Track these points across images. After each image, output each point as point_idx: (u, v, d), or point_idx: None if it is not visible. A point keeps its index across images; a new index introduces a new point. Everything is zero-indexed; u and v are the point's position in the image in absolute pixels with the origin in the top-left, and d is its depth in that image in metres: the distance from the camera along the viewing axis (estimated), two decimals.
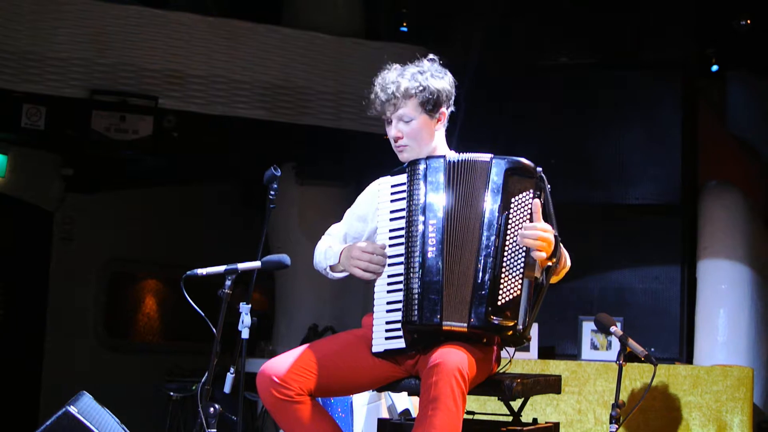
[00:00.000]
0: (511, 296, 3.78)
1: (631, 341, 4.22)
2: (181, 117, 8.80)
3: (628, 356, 4.30)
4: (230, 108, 8.86)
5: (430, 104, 4.11)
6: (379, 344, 3.95)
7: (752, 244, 7.46)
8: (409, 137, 4.13)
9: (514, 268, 3.79)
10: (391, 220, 3.98)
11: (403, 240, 3.92)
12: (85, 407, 4.05)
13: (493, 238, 3.81)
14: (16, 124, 8.55)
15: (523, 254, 3.80)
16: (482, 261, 3.81)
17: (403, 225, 3.93)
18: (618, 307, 7.29)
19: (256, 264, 4.12)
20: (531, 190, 3.85)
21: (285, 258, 4.15)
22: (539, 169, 3.88)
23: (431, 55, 4.26)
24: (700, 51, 8.27)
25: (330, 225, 4.43)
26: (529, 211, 3.82)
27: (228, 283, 4.06)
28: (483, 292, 3.78)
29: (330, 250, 4.17)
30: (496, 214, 3.82)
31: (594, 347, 6.93)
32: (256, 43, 8.96)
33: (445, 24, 8.91)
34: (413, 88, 4.08)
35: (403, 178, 3.99)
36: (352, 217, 4.35)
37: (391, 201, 4.00)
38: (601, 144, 7.76)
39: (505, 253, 3.79)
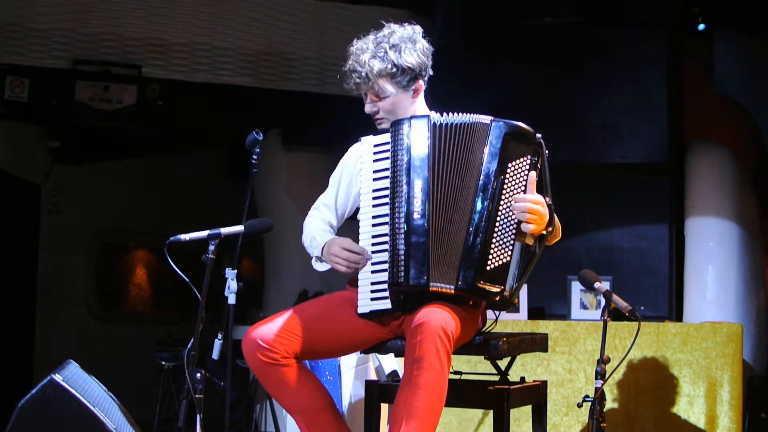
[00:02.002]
0: (500, 262, 3.77)
1: (615, 297, 4.22)
2: (164, 85, 8.75)
3: (615, 313, 4.30)
4: (214, 75, 8.80)
5: (405, 80, 4.11)
6: (365, 305, 3.95)
7: (739, 201, 7.46)
8: (385, 111, 4.15)
9: (506, 234, 3.78)
10: (375, 180, 3.98)
11: (387, 200, 3.91)
12: (71, 375, 4.04)
13: (486, 202, 3.80)
14: None
15: (516, 220, 3.79)
16: (474, 224, 3.80)
17: (387, 185, 3.91)
18: (606, 267, 7.30)
19: (239, 228, 4.11)
20: (529, 156, 3.84)
21: (267, 221, 4.16)
22: (539, 135, 3.86)
23: (406, 24, 4.23)
24: (686, 9, 8.22)
25: (317, 190, 4.41)
26: (525, 176, 3.81)
27: (211, 247, 4.05)
28: (473, 256, 3.77)
29: (314, 240, 4.17)
30: (492, 178, 3.80)
31: (583, 307, 6.94)
32: (239, 9, 8.89)
33: None
34: (386, 69, 4.08)
35: (386, 137, 3.98)
36: (338, 182, 4.33)
37: (374, 161, 3.99)
38: (586, 103, 7.73)
39: (498, 218, 3.78)
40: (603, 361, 4.16)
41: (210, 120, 9.80)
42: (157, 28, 8.66)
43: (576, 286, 6.93)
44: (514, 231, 3.78)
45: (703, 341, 6.26)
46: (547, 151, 3.89)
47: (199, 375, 3.94)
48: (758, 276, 7.47)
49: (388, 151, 3.95)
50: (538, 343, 4.49)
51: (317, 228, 4.22)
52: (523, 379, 4.40)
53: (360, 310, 3.96)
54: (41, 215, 11.37)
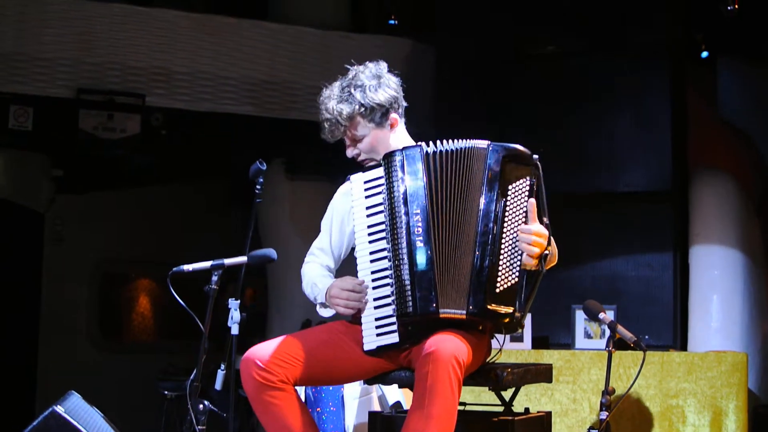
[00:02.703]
0: (509, 283, 3.77)
1: (620, 327, 4.20)
2: (168, 114, 8.76)
3: (619, 343, 4.28)
4: (218, 104, 8.82)
5: (377, 117, 4.12)
6: (371, 341, 3.91)
7: (744, 230, 7.45)
8: (366, 151, 4.17)
9: (513, 256, 3.77)
10: (368, 216, 3.97)
11: (383, 234, 3.90)
12: (73, 407, 4.02)
13: (491, 225, 3.79)
14: (3, 125, 8.51)
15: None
16: (480, 248, 3.79)
17: (382, 219, 3.91)
18: (611, 295, 7.27)
19: (243, 259, 4.09)
20: (528, 177, 3.83)
21: (271, 252, 4.13)
22: (536, 156, 3.86)
23: (369, 63, 4.23)
24: (689, 37, 8.24)
25: (320, 219, 4.40)
26: (526, 198, 3.80)
27: (214, 278, 4.03)
28: (481, 280, 3.76)
29: (315, 287, 4.15)
30: (494, 202, 3.80)
31: (587, 336, 6.91)
32: (242, 39, 8.92)
33: (432, 15, 8.89)
34: (354, 110, 4.09)
35: (378, 172, 3.97)
36: (329, 225, 4.32)
37: (366, 197, 3.98)
38: (590, 131, 7.74)
39: (503, 241, 3.78)
40: (608, 392, 4.13)
41: (213, 149, 9.82)
42: (161, 57, 8.68)
43: (580, 315, 6.90)
44: (520, 253, 3.78)
45: (708, 370, 6.23)
46: (541, 173, 3.89)
47: (201, 406, 3.91)
48: (763, 304, 7.45)
49: (380, 186, 3.94)
50: (542, 374, 4.46)
51: (317, 274, 4.20)
52: (527, 410, 4.37)
53: (366, 347, 3.92)
54: (44, 244, 11.37)
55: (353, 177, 4.05)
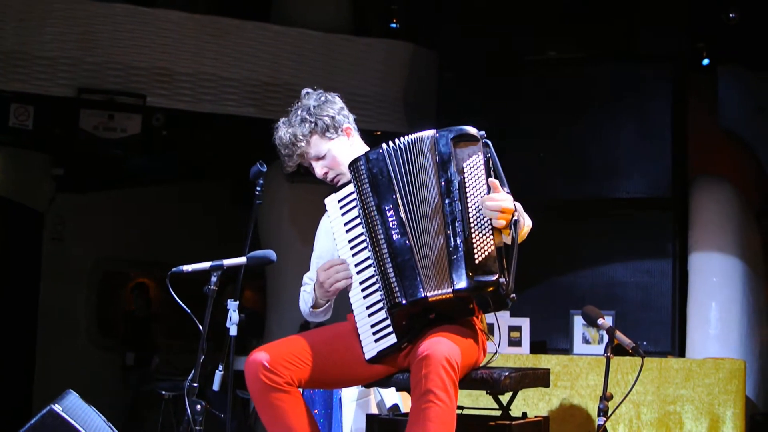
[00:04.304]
0: (486, 253, 3.82)
1: (618, 333, 4.21)
2: (169, 115, 8.76)
3: (617, 349, 4.29)
4: (219, 106, 8.82)
5: (331, 130, 4.25)
6: (371, 349, 3.96)
7: (743, 237, 7.45)
8: (333, 168, 4.27)
9: (483, 227, 3.84)
10: (347, 231, 4.07)
11: (365, 244, 4.00)
12: (71, 405, 4.02)
13: (455, 203, 3.88)
14: (3, 123, 8.51)
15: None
16: (450, 227, 3.87)
17: (361, 231, 4.01)
18: (609, 301, 7.28)
19: (242, 260, 4.10)
20: (480, 154, 3.92)
21: (270, 253, 4.14)
22: (482, 133, 3.96)
23: (304, 90, 4.38)
24: (691, 45, 8.26)
25: (318, 222, 4.43)
26: (483, 172, 3.89)
27: (213, 279, 4.04)
28: (459, 255, 3.83)
29: (306, 294, 4.24)
30: (453, 181, 3.90)
31: (585, 341, 6.91)
32: (245, 40, 8.92)
33: (434, 20, 8.89)
34: (308, 129, 4.23)
35: (348, 188, 4.08)
36: (316, 258, 4.38)
37: (342, 214, 4.08)
38: (591, 138, 7.74)
39: (470, 214, 3.86)
40: (606, 398, 4.14)
41: (214, 150, 9.81)
42: (163, 57, 8.68)
43: (578, 321, 6.90)
44: (490, 223, 3.83)
45: (706, 377, 6.23)
46: (492, 149, 3.96)
47: (199, 407, 3.91)
48: (762, 312, 7.46)
49: (353, 200, 4.05)
50: (540, 378, 4.46)
51: (310, 293, 4.26)
52: (524, 415, 4.38)
53: (368, 356, 3.97)
54: (44, 243, 11.37)
55: (327, 200, 4.15)
